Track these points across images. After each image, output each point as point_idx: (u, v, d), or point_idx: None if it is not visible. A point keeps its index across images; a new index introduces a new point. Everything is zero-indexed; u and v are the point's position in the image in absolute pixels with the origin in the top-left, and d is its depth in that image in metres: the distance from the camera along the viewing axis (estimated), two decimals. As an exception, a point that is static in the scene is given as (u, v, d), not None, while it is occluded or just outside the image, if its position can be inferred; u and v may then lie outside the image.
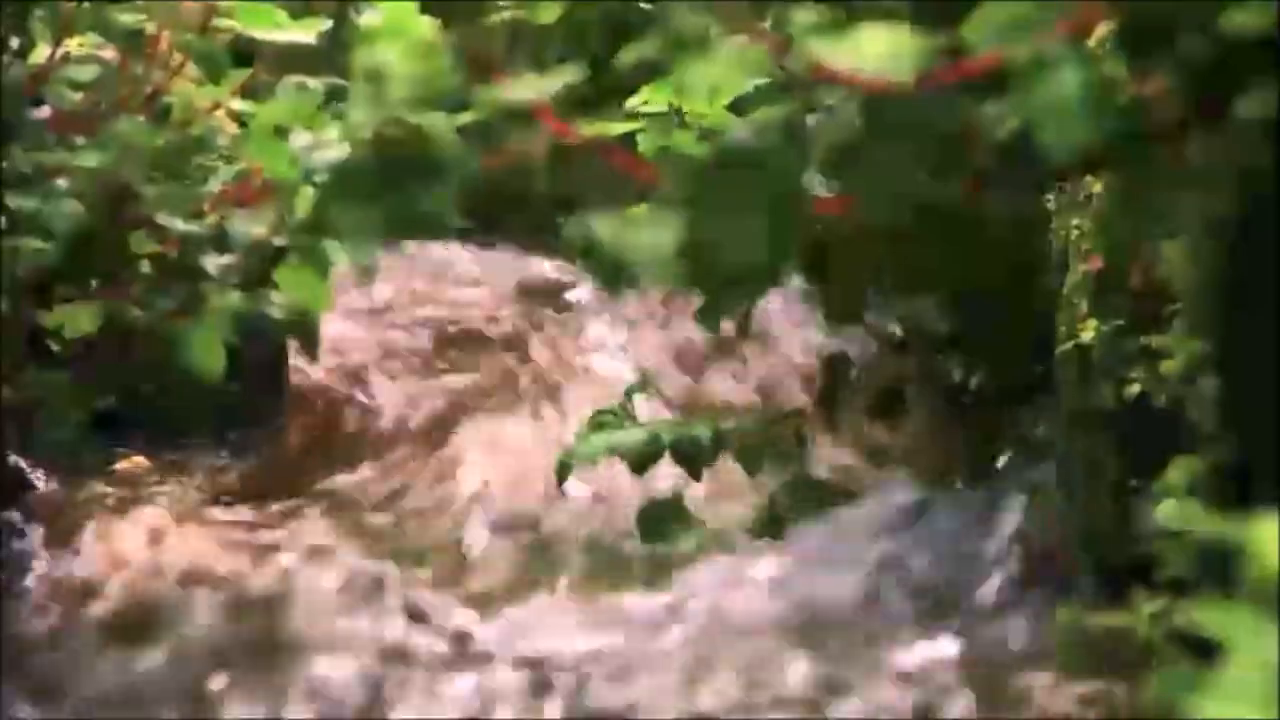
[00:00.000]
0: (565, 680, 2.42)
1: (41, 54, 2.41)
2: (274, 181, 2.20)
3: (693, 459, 1.98)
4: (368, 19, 1.89)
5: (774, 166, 1.71)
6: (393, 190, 1.82)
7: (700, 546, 2.57)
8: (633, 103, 2.10)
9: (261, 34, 2.36)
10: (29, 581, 2.74)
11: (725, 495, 2.85)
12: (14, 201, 2.25)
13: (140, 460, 3.35)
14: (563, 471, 1.93)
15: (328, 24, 2.34)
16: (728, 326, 2.99)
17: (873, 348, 3.06)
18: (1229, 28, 1.56)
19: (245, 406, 3.46)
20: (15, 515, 2.85)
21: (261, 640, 2.52)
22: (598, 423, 1.99)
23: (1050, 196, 2.60)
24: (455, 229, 1.85)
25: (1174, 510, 1.99)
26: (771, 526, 2.15)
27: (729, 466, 2.47)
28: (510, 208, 3.93)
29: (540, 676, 2.46)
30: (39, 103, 2.39)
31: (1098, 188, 2.37)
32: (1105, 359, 2.40)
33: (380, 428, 3.66)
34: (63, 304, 2.35)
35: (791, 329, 3.83)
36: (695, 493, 2.44)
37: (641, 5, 1.65)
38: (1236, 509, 1.32)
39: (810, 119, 1.75)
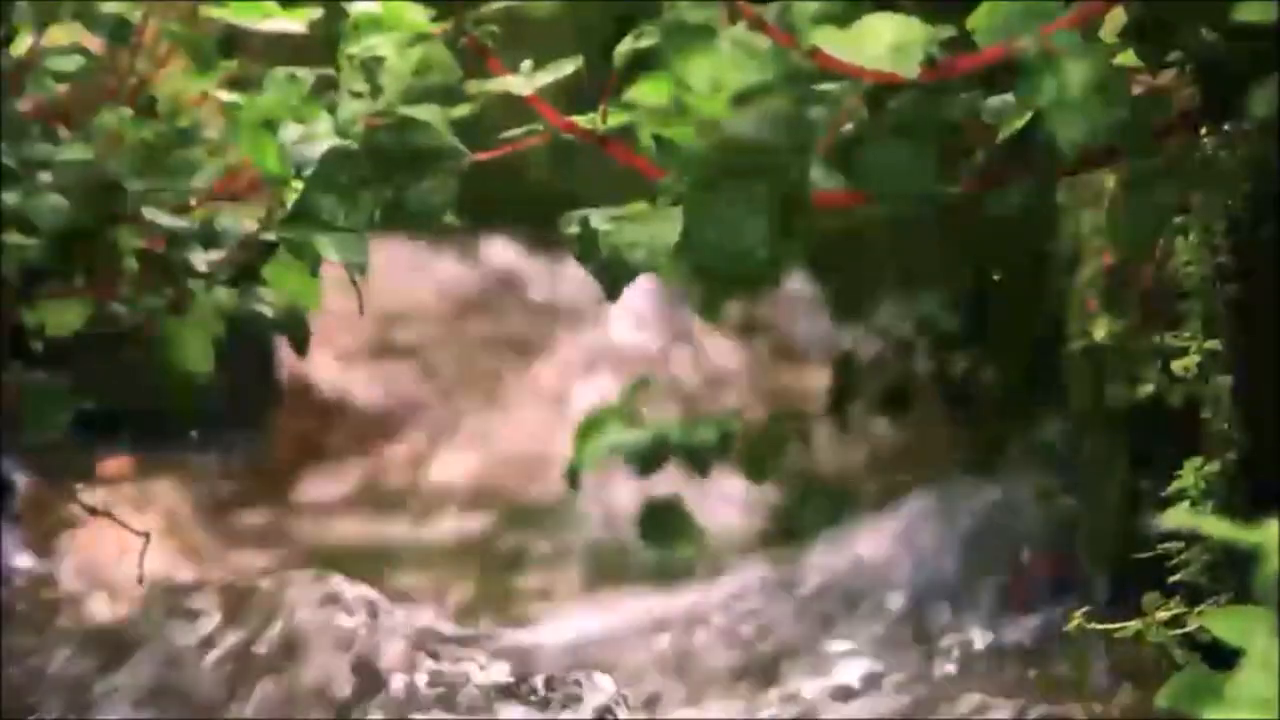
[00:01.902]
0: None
1: (24, 44, 2.38)
2: (263, 175, 2.17)
3: (699, 461, 1.95)
4: (360, 8, 1.87)
5: (777, 161, 1.69)
6: (382, 180, 1.80)
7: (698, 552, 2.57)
8: (633, 94, 2.08)
9: (251, 23, 2.34)
10: (9, 587, 2.72)
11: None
12: (-4, 196, 2.23)
13: (126, 461, 3.32)
14: (573, 477, 1.89)
15: (318, 12, 2.31)
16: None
17: (882, 347, 3.05)
18: (1236, 21, 1.54)
19: (234, 406, 3.43)
20: (-4, 519, 2.83)
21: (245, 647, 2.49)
22: (597, 420, 1.95)
23: (1061, 192, 2.58)
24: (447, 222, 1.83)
25: (1186, 514, 1.97)
26: (787, 535, 2.13)
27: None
28: (506, 202, 3.91)
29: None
30: (21, 93, 2.36)
31: (1110, 183, 2.35)
32: (1117, 357, 2.39)
33: (368, 427, 3.65)
34: (47, 301, 2.33)
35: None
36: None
37: (643, -2, 1.63)
38: (1251, 511, 1.30)
39: (814, 112, 1.72)
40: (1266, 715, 1.15)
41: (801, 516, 2.05)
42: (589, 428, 1.92)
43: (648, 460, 1.88)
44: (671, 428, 1.89)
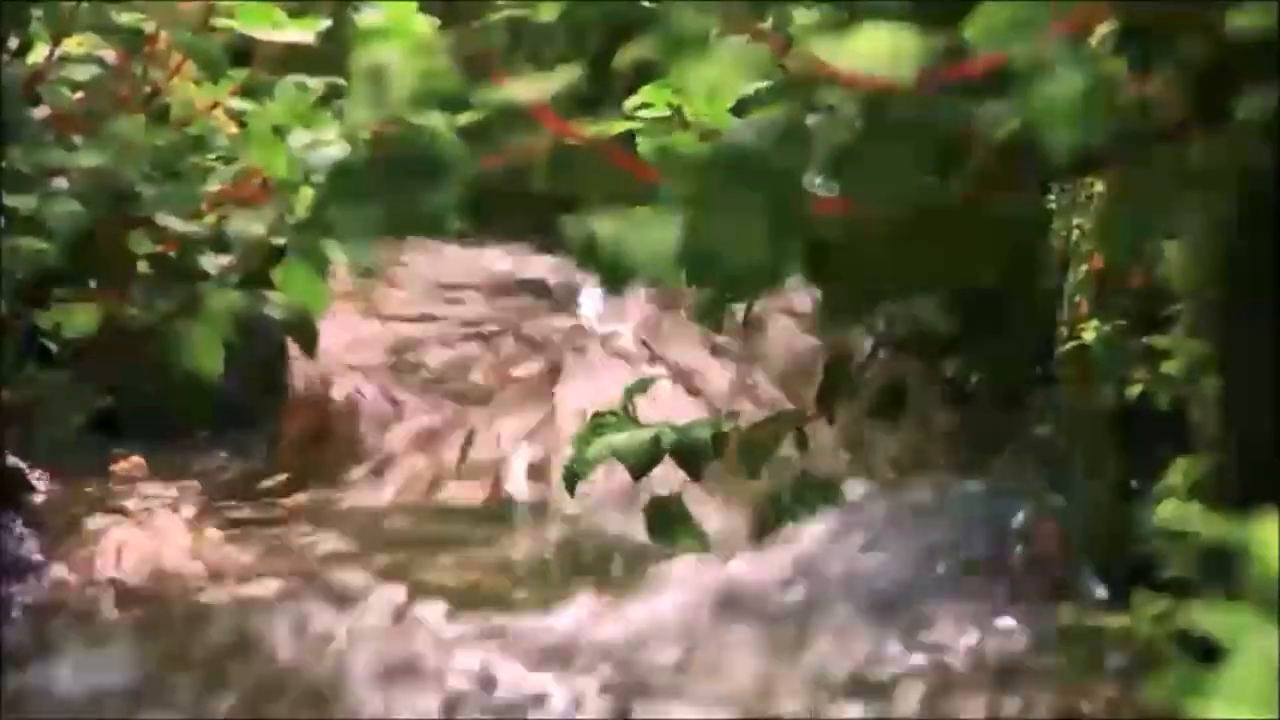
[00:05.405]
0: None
1: (40, 53, 2.40)
2: (273, 181, 2.20)
3: (693, 460, 1.96)
4: (367, 17, 1.89)
5: (775, 168, 1.71)
6: (391, 189, 1.81)
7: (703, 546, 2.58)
8: (633, 103, 2.10)
9: (260, 33, 2.35)
10: (27, 583, 2.73)
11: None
12: (12, 201, 2.24)
13: (138, 461, 3.34)
14: (570, 480, 1.91)
15: (326, 23, 2.33)
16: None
17: (873, 348, 3.06)
18: (1230, 28, 1.56)
19: (244, 406, 3.45)
20: (13, 517, 2.84)
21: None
22: (598, 426, 1.98)
23: (1051, 197, 2.60)
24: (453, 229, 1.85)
25: (1175, 511, 1.99)
26: (770, 525, 2.14)
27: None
28: (508, 207, 3.93)
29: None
30: (37, 101, 2.38)
31: (1099, 188, 2.37)
32: (1106, 359, 2.40)
33: (376, 428, 3.66)
34: (61, 304, 2.34)
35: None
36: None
37: (643, 4, 1.65)
38: (1238, 509, 1.31)
39: (811, 119, 1.74)
40: (1255, 709, 1.16)
41: (789, 510, 2.07)
42: (591, 431, 1.94)
43: (643, 461, 1.90)
44: (666, 428, 1.91)
